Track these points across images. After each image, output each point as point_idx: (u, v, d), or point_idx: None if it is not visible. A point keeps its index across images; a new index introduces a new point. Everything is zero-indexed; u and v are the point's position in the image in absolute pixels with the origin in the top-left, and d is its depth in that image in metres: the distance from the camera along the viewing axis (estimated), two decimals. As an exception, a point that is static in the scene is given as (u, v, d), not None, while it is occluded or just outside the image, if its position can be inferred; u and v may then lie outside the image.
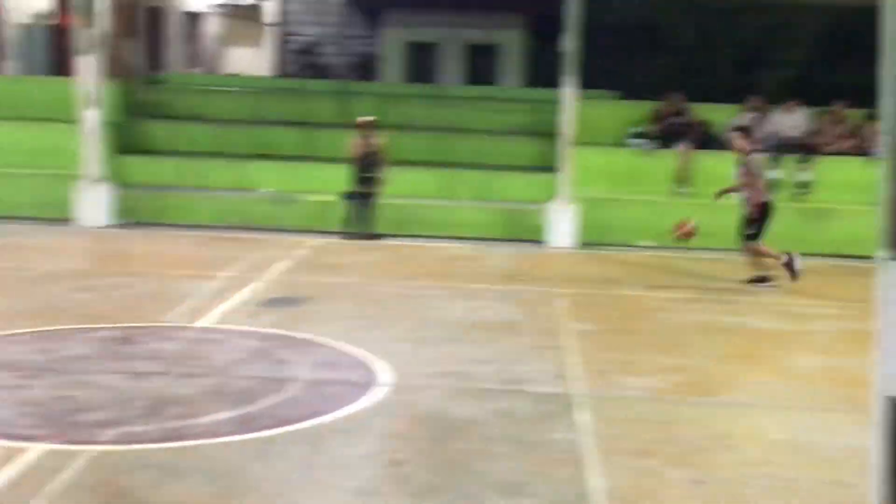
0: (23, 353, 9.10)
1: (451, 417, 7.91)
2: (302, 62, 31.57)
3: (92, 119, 16.07)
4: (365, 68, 30.05)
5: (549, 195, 16.50)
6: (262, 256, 14.11)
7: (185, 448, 7.05)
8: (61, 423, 7.41)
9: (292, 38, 32.21)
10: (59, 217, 16.23)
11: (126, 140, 18.20)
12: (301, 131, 18.96)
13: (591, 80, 17.14)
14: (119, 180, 17.05)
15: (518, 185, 17.69)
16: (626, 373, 9.30)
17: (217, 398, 8.14)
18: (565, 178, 16.32)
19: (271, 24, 31.79)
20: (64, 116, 16.93)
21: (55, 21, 21.55)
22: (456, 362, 9.43)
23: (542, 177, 17.28)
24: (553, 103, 17.28)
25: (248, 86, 22.56)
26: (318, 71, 31.02)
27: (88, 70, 15.95)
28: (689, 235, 13.94)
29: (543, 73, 22.80)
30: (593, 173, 16.81)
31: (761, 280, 13.28)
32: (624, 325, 11.25)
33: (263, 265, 13.49)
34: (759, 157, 13.69)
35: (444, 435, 7.52)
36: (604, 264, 14.97)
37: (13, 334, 9.70)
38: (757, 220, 13.06)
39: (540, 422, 7.88)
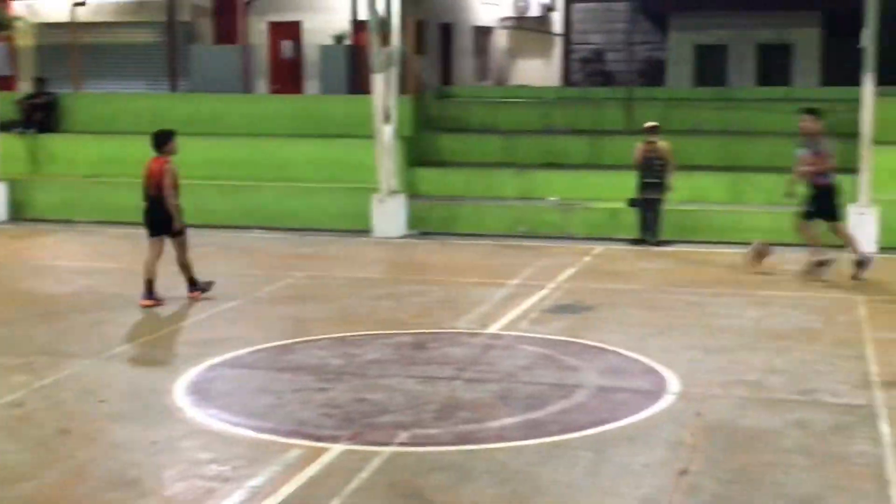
0: (325, 358, 9.59)
1: (743, 427, 7.69)
2: (588, 70, 31.59)
3: (386, 134, 16.73)
4: (652, 74, 29.72)
5: (849, 198, 15.72)
6: (549, 264, 14.21)
7: (475, 451, 7.22)
8: (359, 424, 7.75)
9: (578, 46, 32.30)
10: (357, 228, 16.97)
11: (418, 153, 18.82)
12: (588, 139, 18.99)
13: (893, 76, 16.23)
14: (412, 192, 17.66)
15: (814, 187, 16.95)
16: (934, 384, 8.75)
17: (506, 403, 8.27)
18: (865, 179, 15.51)
19: (558, 35, 32.00)
20: (361, 132, 17.70)
21: (352, 41, 22.58)
22: (747, 371, 9.16)
23: (841, 179, 16.49)
24: (851, 102, 16.47)
25: (536, 96, 22.78)
26: (604, 78, 30.96)
27: (383, 87, 16.61)
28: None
29: (840, 71, 21.78)
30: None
31: (822, 264, 13.09)
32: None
33: (551, 273, 13.59)
34: (829, 140, 13.43)
35: (734, 445, 7.33)
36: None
37: (317, 339, 10.24)
38: (821, 200, 13.04)
39: (838, 434, 7.54)
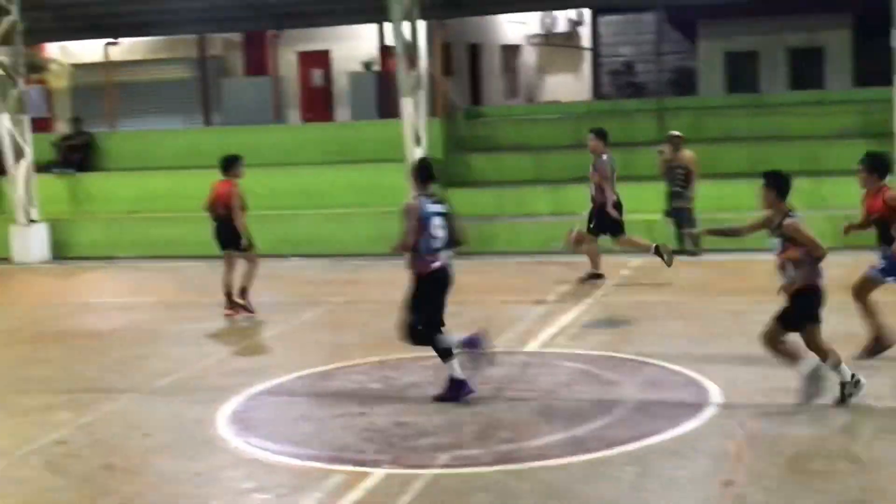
0: (364, 383, 9.62)
1: (787, 436, 7.63)
2: (618, 83, 31.58)
3: (417, 156, 16.77)
4: (683, 83, 29.66)
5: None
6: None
7: (516, 471, 7.20)
8: (400, 447, 7.77)
9: (607, 59, 32.32)
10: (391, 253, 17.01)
11: (449, 174, 18.86)
12: (620, 152, 18.89)
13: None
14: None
15: (851, 190, 16.75)
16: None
17: (546, 421, 8.26)
18: (902, 179, 15.34)
19: (587, 49, 32.01)
20: (392, 156, 17.79)
21: (380, 67, 22.71)
22: (790, 379, 9.04)
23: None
24: (884, 102, 16.36)
25: (566, 111, 22.79)
26: (635, 90, 30.93)
27: (412, 110, 16.70)
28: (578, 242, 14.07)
29: (873, 72, 21.64)
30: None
31: (594, 277, 13.76)
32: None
33: (588, 288, 13.56)
34: (611, 159, 13.84)
35: (779, 454, 7.27)
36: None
37: (355, 365, 10.28)
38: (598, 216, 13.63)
39: (883, 438, 7.46)
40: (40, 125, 21.18)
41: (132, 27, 21.71)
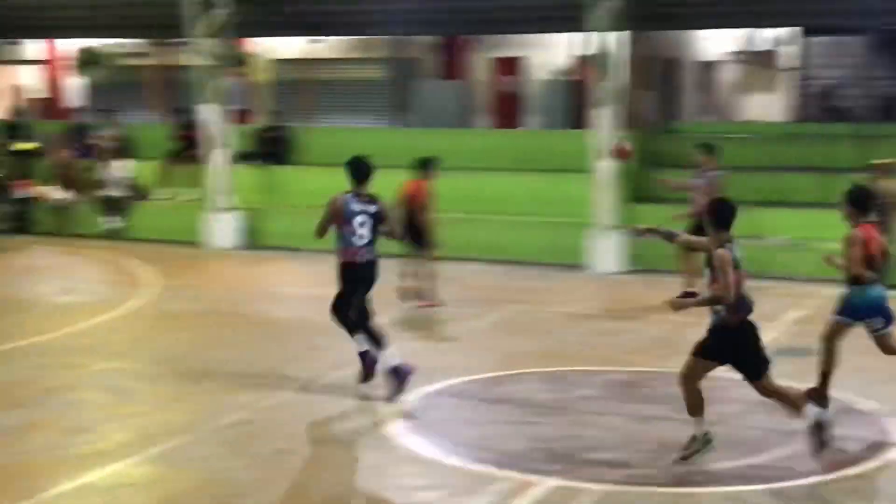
0: (535, 392, 9.57)
1: (979, 486, 7.21)
2: (821, 106, 30.53)
3: (605, 169, 16.64)
4: (889, 110, 28.45)
5: None
6: (774, 306, 13.71)
7: (689, 494, 7.05)
8: (569, 460, 7.68)
9: (811, 81, 31.30)
10: (572, 263, 16.90)
11: (638, 188, 18.59)
12: (820, 177, 18.28)
13: None
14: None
15: None
16: None
17: (723, 446, 8.02)
18: None
19: (788, 69, 31.09)
20: (580, 167, 17.66)
21: (573, 76, 22.60)
22: None
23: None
24: None
25: (764, 132, 22.13)
26: (838, 114, 29.84)
27: (603, 122, 16.56)
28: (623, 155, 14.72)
29: None
30: None
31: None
32: None
33: (774, 314, 13.12)
34: (719, 174, 14.06)
35: (969, 504, 6.87)
36: None
37: (528, 373, 10.23)
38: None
39: None
40: (239, 117, 21.93)
41: (333, 26, 22.19)
